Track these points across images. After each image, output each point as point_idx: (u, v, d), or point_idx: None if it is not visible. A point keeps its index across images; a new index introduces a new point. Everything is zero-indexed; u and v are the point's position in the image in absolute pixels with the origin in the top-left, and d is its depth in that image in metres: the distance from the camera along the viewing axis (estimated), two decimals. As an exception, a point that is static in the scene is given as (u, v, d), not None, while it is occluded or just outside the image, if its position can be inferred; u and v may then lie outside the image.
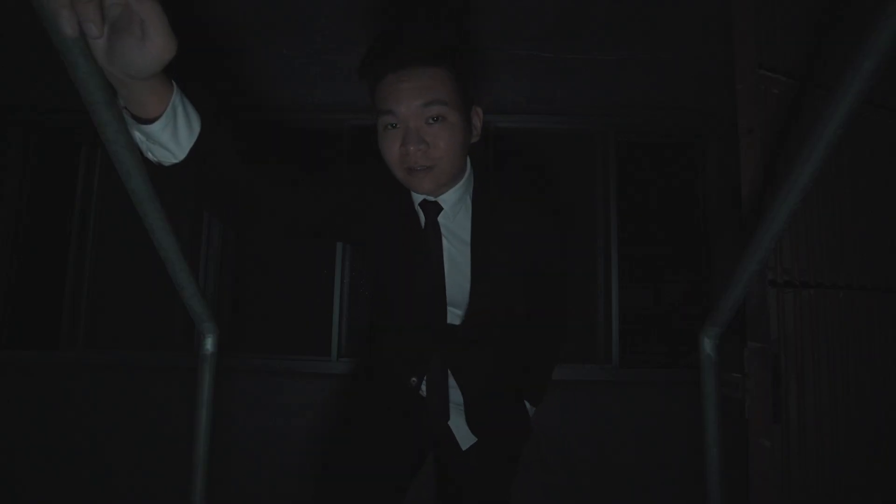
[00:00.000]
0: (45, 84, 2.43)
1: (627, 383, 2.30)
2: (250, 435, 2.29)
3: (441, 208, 1.01)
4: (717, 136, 2.41)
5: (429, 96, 0.86)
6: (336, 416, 1.16)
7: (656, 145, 2.63)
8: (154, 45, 0.49)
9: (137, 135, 0.61)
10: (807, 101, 1.08)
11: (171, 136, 0.61)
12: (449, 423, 1.12)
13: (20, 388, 2.34)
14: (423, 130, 0.87)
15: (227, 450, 2.27)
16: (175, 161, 0.64)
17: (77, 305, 2.44)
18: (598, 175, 2.50)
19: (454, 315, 1.08)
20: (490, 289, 1.04)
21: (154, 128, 0.59)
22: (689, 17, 2.18)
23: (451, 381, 1.10)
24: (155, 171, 0.64)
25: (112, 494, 2.28)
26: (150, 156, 0.64)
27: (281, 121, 2.53)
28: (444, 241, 1.03)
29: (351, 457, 1.07)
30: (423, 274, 1.03)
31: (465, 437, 1.12)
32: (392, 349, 1.14)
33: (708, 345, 0.81)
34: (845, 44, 1.13)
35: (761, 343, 0.99)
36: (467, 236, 1.02)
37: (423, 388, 1.11)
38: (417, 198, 1.02)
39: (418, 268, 1.03)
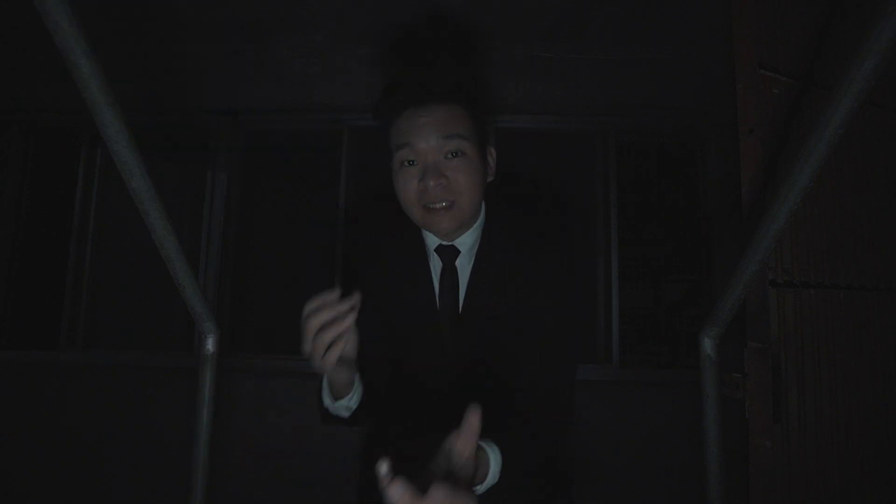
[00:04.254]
0: (45, 84, 2.43)
1: (627, 383, 2.30)
2: (250, 435, 2.29)
3: (458, 252, 0.94)
4: (717, 136, 2.41)
5: (448, 130, 0.85)
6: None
7: (656, 145, 2.63)
8: None
9: (328, 401, 0.87)
10: (807, 101, 1.08)
11: (348, 404, 0.86)
12: None
13: (20, 388, 2.34)
14: (442, 165, 0.85)
15: (227, 450, 2.27)
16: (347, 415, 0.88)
17: (77, 305, 2.44)
18: (598, 175, 2.50)
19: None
20: (475, 343, 0.93)
21: (343, 401, 0.85)
22: (689, 17, 2.18)
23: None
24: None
25: (112, 494, 2.28)
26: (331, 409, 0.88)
27: (281, 121, 2.53)
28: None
29: None
30: (438, 325, 0.94)
31: None
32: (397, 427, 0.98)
33: (708, 345, 0.81)
34: (845, 44, 1.13)
35: (761, 343, 0.99)
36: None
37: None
38: (432, 243, 0.95)
39: (431, 316, 0.94)
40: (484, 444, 0.71)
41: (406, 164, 0.87)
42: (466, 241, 0.94)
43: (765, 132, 1.03)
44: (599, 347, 2.39)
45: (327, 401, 0.86)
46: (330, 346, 0.69)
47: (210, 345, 0.77)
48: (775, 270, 1.01)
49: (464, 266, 0.95)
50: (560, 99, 2.40)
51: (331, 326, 0.69)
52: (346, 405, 0.85)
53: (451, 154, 0.85)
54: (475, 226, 0.95)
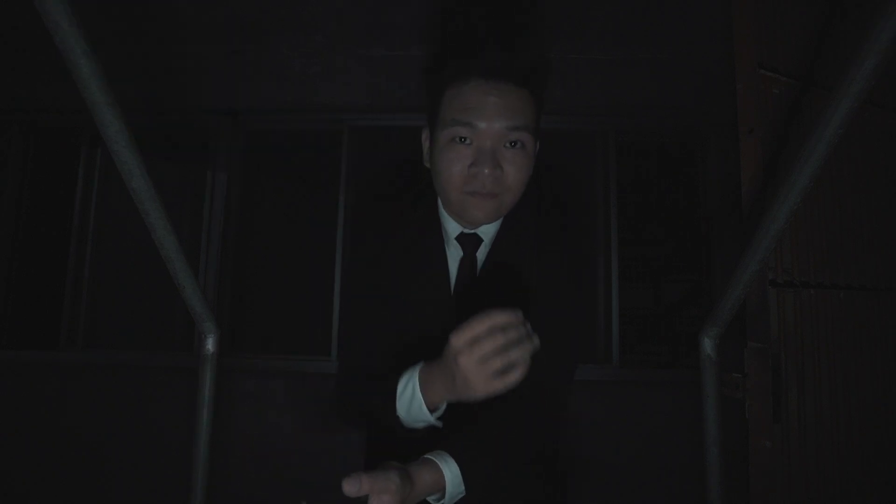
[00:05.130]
0: (45, 84, 2.43)
1: (627, 383, 2.30)
2: (250, 435, 2.29)
3: (481, 240, 0.89)
4: (717, 136, 2.41)
5: (517, 119, 0.77)
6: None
7: (656, 145, 2.63)
8: None
9: (426, 414, 0.73)
10: (807, 101, 1.08)
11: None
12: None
13: (20, 388, 2.34)
14: (500, 153, 0.78)
15: (227, 450, 2.27)
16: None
17: (77, 305, 2.44)
18: (598, 175, 2.50)
19: None
20: None
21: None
22: (689, 17, 2.18)
23: None
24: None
25: (112, 494, 2.28)
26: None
27: (281, 121, 2.53)
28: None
29: None
30: (451, 313, 0.89)
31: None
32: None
33: (708, 345, 0.81)
34: (845, 44, 1.13)
35: (761, 343, 0.99)
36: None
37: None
38: (453, 231, 0.90)
39: (445, 305, 0.90)
40: (435, 458, 0.67)
41: (458, 140, 0.78)
42: (489, 231, 0.89)
43: (765, 132, 1.03)
44: (599, 347, 2.39)
45: (425, 414, 0.74)
46: None
47: (210, 345, 0.77)
48: (775, 270, 1.01)
49: (481, 254, 0.90)
50: (560, 99, 2.41)
51: None
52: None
53: (511, 144, 0.78)
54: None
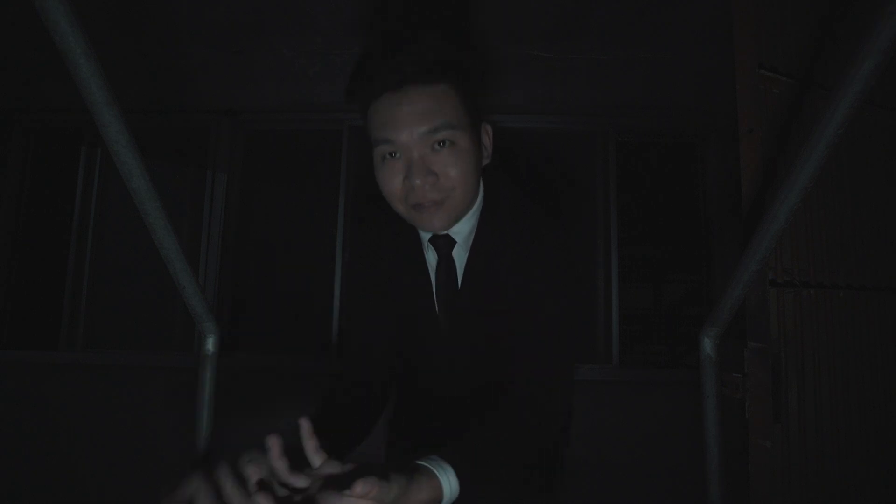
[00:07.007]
0: (45, 84, 2.43)
1: (627, 383, 2.30)
2: (250, 435, 2.29)
3: (454, 242, 0.88)
4: (717, 136, 2.41)
5: (434, 121, 0.74)
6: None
7: (656, 145, 2.63)
8: None
9: None
10: (807, 101, 1.08)
11: None
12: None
13: (20, 388, 2.34)
14: (429, 159, 0.75)
15: (227, 450, 2.27)
16: None
17: (77, 305, 2.44)
18: (598, 175, 2.50)
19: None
20: (472, 335, 0.91)
21: None
22: (689, 17, 2.18)
23: None
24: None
25: (112, 494, 2.28)
26: None
27: (281, 121, 2.53)
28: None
29: None
30: (436, 317, 0.92)
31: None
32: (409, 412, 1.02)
33: (708, 345, 0.81)
34: (846, 43, 1.13)
35: (761, 343, 0.99)
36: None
37: None
38: (426, 234, 0.89)
39: (428, 310, 0.92)
40: (430, 465, 0.61)
41: (388, 156, 0.77)
42: (462, 230, 0.87)
43: (765, 132, 1.03)
44: (599, 347, 2.39)
45: None
46: None
47: (210, 345, 0.77)
48: (775, 270, 1.01)
49: (460, 255, 0.89)
50: (560, 99, 2.40)
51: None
52: None
53: (440, 144, 0.76)
54: (472, 212, 0.87)
